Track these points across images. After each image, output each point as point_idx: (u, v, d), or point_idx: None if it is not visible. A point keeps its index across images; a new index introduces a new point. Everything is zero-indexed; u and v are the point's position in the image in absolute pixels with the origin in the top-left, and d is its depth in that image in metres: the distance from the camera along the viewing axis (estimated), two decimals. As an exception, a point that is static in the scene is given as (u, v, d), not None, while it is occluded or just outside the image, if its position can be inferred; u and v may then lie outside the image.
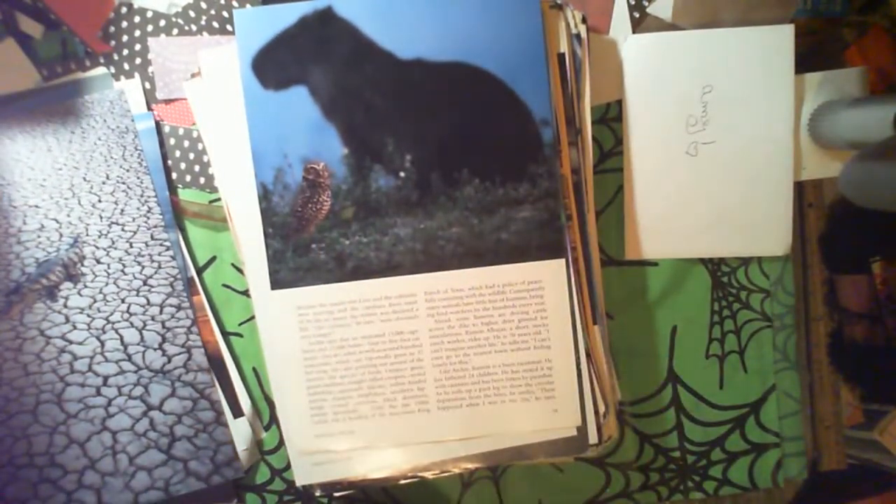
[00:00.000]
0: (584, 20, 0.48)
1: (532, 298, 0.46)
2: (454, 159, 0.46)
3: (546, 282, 0.46)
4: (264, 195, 0.46)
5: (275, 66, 0.46)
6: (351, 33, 0.46)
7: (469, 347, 0.47)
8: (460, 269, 0.46)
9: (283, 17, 0.46)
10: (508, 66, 0.46)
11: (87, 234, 0.49)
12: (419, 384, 0.47)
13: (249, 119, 0.46)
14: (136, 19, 0.51)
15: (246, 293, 0.50)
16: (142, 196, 0.49)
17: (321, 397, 0.47)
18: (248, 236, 0.47)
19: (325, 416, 0.47)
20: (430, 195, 0.46)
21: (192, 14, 0.51)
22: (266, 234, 0.46)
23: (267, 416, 0.50)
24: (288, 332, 0.47)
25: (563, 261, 0.46)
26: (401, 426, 0.47)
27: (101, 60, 0.50)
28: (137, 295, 0.48)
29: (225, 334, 0.50)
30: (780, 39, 0.50)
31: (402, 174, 0.46)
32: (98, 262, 0.49)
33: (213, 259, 0.50)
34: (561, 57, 0.48)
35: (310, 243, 0.46)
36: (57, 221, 0.49)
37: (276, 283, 0.46)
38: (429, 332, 0.47)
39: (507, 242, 0.46)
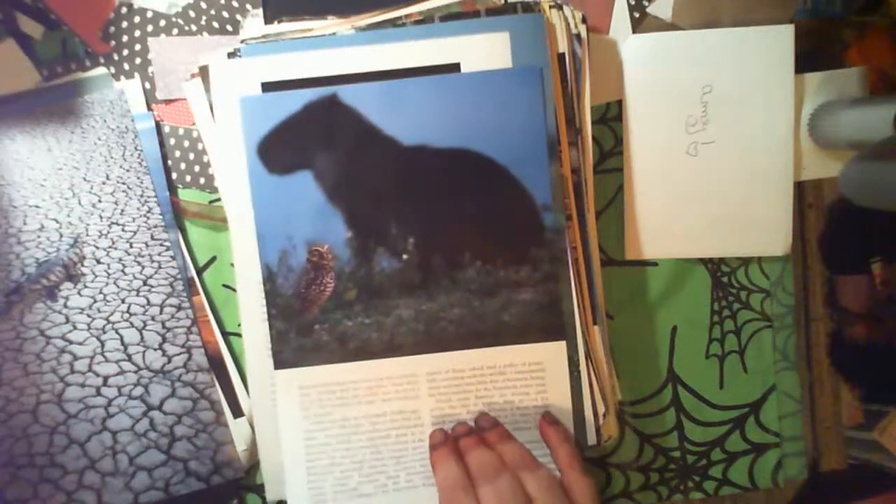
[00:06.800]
0: (584, 20, 0.48)
1: (532, 380, 0.47)
2: (456, 242, 0.47)
3: (547, 363, 0.47)
4: (269, 276, 0.46)
5: (280, 151, 0.46)
6: (355, 120, 0.46)
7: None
8: (462, 350, 0.47)
9: (288, 104, 0.46)
10: (510, 153, 0.46)
11: (87, 234, 0.49)
12: (422, 461, 0.46)
13: (255, 202, 0.46)
14: (136, 19, 0.51)
15: (246, 293, 0.50)
16: (142, 196, 0.49)
17: (321, 478, 0.46)
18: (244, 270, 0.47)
19: (325, 496, 0.46)
20: (433, 277, 0.47)
21: (192, 14, 0.51)
22: (270, 315, 0.46)
23: (267, 416, 0.50)
24: (290, 413, 0.47)
25: (563, 343, 0.47)
26: (404, 501, 0.46)
27: (101, 60, 0.50)
28: (137, 295, 0.48)
29: (225, 334, 0.50)
30: (780, 39, 0.50)
31: (404, 256, 0.47)
32: (98, 262, 0.49)
33: (213, 259, 0.50)
34: (561, 57, 0.48)
35: (313, 324, 0.46)
36: (57, 221, 0.49)
37: (279, 364, 0.47)
38: (430, 412, 0.47)
39: (509, 324, 0.47)
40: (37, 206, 0.49)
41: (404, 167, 0.47)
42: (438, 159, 0.47)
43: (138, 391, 0.48)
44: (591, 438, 0.47)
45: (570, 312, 0.47)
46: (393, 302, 0.47)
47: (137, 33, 0.51)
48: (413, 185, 0.47)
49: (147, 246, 0.49)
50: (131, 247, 0.49)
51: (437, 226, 0.47)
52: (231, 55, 0.47)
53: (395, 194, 0.47)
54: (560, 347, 0.47)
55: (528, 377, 0.47)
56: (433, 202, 0.47)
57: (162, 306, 0.49)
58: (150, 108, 0.50)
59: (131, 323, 0.48)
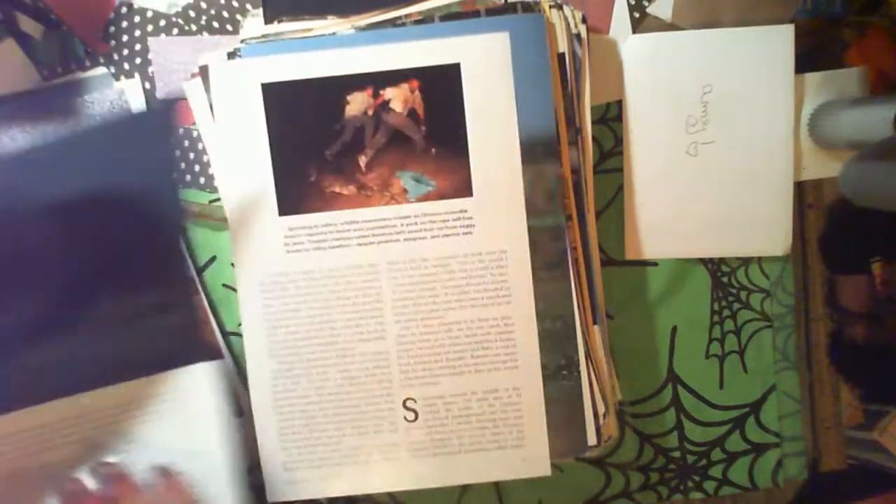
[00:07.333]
0: (584, 20, 0.48)
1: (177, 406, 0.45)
2: (90, 280, 0.44)
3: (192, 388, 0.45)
4: None
5: None
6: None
7: None
8: (99, 389, 0.44)
9: None
10: (138, 188, 0.46)
11: (87, 234, 0.49)
12: None
13: None
14: (136, 19, 0.51)
15: (246, 293, 0.50)
16: (141, 196, 0.49)
17: None
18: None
19: None
20: (66, 318, 0.44)
21: (192, 14, 0.51)
22: None
23: (267, 416, 0.50)
24: None
25: (215, 363, 0.46)
26: None
27: (101, 60, 0.50)
28: (137, 295, 0.49)
29: (225, 334, 0.50)
30: (780, 39, 0.50)
31: (34, 302, 0.43)
32: (97, 262, 0.49)
33: (213, 259, 0.50)
34: (561, 57, 0.48)
35: None
36: (56, 221, 0.49)
37: None
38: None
39: (150, 352, 0.45)
40: (36, 206, 0.49)
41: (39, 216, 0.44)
42: (66, 207, 0.44)
43: (138, 391, 0.48)
44: (592, 438, 0.47)
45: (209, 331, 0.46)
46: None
47: (137, 33, 0.51)
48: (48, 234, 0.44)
49: (146, 246, 0.49)
50: (131, 247, 0.49)
51: (69, 268, 0.44)
52: (231, 55, 0.47)
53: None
54: (209, 368, 0.45)
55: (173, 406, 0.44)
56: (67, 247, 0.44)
57: (161, 306, 0.49)
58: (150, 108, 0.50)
59: (131, 323, 0.48)
